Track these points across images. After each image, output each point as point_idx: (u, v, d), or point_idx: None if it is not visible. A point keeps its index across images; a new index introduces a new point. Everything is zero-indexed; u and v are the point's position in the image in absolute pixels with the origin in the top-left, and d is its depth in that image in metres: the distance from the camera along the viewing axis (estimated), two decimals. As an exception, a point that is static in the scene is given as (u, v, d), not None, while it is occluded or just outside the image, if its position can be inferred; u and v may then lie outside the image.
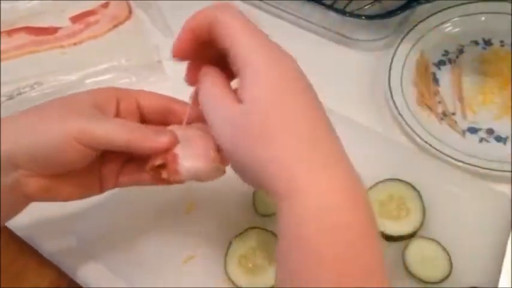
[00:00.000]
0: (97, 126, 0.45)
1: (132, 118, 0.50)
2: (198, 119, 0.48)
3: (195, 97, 0.47)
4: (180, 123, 0.49)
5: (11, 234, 0.65)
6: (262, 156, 0.38)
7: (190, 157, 0.46)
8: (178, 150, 0.46)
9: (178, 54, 0.45)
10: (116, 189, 0.60)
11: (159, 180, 0.48)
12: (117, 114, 0.49)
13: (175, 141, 0.46)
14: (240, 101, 0.39)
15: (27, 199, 0.48)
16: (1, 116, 0.47)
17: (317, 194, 0.37)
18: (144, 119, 0.51)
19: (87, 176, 0.49)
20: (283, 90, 0.39)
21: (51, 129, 0.45)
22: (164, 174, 0.47)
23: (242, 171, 0.41)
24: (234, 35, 0.40)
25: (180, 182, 0.47)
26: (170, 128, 0.49)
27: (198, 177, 0.47)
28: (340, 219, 0.36)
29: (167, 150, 0.46)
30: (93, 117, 0.46)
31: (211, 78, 0.44)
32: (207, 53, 0.45)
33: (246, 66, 0.39)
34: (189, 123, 0.49)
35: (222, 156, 0.46)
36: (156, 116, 0.50)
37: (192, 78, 0.46)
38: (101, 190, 0.51)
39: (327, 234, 0.36)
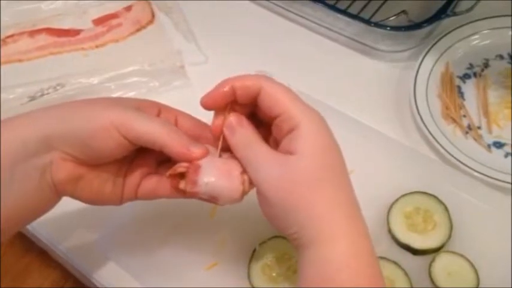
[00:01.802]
0: (139, 119, 0.47)
1: None
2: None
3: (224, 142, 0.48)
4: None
5: (17, 234, 0.65)
6: (306, 199, 0.42)
7: (212, 173, 0.46)
8: (203, 163, 0.47)
9: (209, 103, 0.47)
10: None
11: (176, 190, 0.49)
12: None
13: (205, 155, 0.47)
14: (288, 152, 0.44)
15: (55, 191, 0.48)
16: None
17: (352, 241, 0.42)
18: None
19: (113, 181, 0.50)
20: (328, 145, 0.45)
21: (93, 115, 0.46)
22: (182, 184, 0.48)
23: (274, 212, 0.44)
24: (283, 102, 0.45)
25: (196, 195, 0.47)
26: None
27: (215, 195, 0.47)
28: (371, 269, 0.42)
29: (193, 160, 0.47)
30: (137, 113, 0.47)
31: (249, 127, 0.47)
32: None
33: (300, 125, 0.44)
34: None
35: (244, 180, 0.47)
36: (192, 134, 0.51)
37: (219, 129, 0.48)
38: (121, 201, 0.52)
39: (362, 280, 0.41)
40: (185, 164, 0.47)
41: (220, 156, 0.48)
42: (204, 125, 0.52)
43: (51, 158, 0.46)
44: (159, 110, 0.51)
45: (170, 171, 0.48)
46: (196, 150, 0.47)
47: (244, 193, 0.47)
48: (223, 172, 0.46)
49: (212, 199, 0.47)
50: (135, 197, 0.52)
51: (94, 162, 0.48)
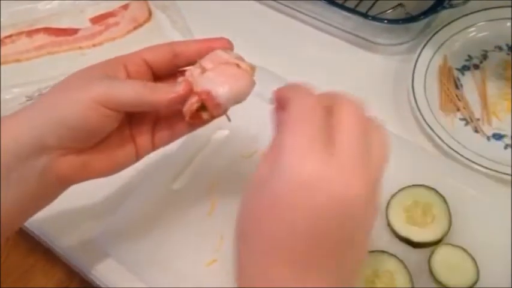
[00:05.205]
0: (115, 87, 0.45)
1: (144, 77, 0.50)
2: (200, 53, 0.49)
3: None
4: (187, 63, 0.50)
5: (21, 234, 0.64)
6: None
7: (221, 83, 0.46)
8: (206, 86, 0.46)
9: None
10: (137, 190, 0.61)
11: (199, 123, 0.50)
12: (129, 78, 0.49)
13: (190, 84, 0.47)
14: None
15: (62, 182, 0.48)
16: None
17: None
18: (156, 74, 0.51)
19: (120, 146, 0.50)
20: None
21: (71, 100, 0.45)
22: (205, 115, 0.48)
23: None
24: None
25: (223, 113, 0.48)
26: (187, 69, 0.50)
27: (238, 100, 0.47)
28: None
29: (192, 94, 0.47)
30: (110, 82, 0.46)
31: None
32: None
33: None
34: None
35: (247, 68, 0.47)
36: (165, 65, 0.51)
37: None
38: (138, 157, 0.51)
39: None
40: (195, 99, 0.47)
41: (204, 71, 0.48)
42: (169, 43, 0.51)
43: (48, 159, 0.46)
44: (124, 65, 0.49)
45: (189, 114, 0.48)
46: (180, 87, 0.46)
47: (253, 76, 0.48)
48: (229, 77, 0.46)
49: (237, 100, 0.47)
50: (153, 149, 0.52)
51: (93, 143, 0.47)
